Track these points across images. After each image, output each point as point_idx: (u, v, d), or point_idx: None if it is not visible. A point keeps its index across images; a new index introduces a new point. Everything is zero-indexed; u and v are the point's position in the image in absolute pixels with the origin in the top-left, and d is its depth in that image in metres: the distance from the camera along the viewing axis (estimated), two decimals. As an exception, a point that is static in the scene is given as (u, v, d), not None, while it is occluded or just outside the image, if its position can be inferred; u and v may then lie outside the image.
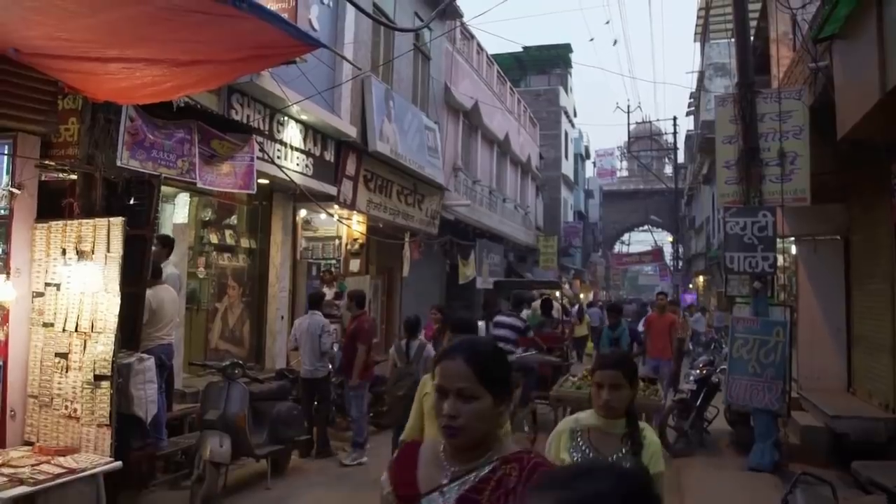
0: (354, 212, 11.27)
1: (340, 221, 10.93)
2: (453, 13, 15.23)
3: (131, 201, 5.28)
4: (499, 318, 9.68)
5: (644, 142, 37.22)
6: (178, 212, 7.78)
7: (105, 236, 4.83)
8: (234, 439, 5.91)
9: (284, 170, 8.52)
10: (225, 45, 4.04)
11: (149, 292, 5.51)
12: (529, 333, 9.67)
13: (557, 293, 15.08)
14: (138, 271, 5.17)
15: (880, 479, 4.64)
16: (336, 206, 10.51)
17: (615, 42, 50.73)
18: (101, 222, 4.89)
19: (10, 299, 4.82)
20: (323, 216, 10.59)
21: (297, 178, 8.92)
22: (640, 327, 10.57)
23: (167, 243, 6.65)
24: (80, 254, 4.89)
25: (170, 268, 6.64)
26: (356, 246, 11.79)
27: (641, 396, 6.18)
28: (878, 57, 5.04)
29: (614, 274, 45.30)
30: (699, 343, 17.02)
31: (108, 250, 4.80)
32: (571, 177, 34.64)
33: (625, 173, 50.46)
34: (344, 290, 10.70)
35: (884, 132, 5.95)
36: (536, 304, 13.38)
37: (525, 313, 11.71)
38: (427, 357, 6.39)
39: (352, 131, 10.42)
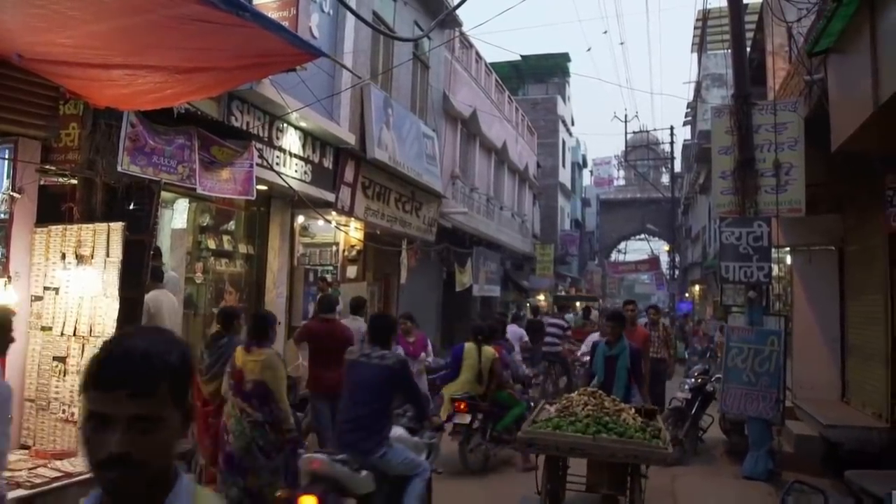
0: (352, 218, 11.30)
1: (338, 228, 10.96)
2: (453, 22, 15.31)
3: (131, 206, 5.31)
4: (549, 319, 13.31)
5: (641, 151, 37.35)
6: (176, 217, 7.80)
7: (105, 241, 4.86)
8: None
9: (283, 176, 8.55)
10: (227, 53, 4.08)
11: (147, 296, 5.53)
12: (568, 332, 13.18)
13: (596, 304, 22.64)
14: (137, 276, 5.19)
15: (873, 488, 4.66)
16: (334, 213, 10.53)
17: (622, 43, 50.77)
18: (101, 227, 4.92)
19: (9, 303, 4.84)
20: (321, 223, 10.62)
21: (296, 185, 8.95)
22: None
23: (157, 276, 6.47)
24: (80, 258, 4.92)
25: (170, 272, 6.66)
26: (353, 252, 11.81)
27: (639, 439, 4.77)
28: (871, 71, 5.11)
29: (611, 282, 45.33)
30: (695, 352, 17.11)
31: (108, 255, 4.83)
32: (568, 185, 34.73)
33: (622, 182, 50.61)
34: (339, 296, 10.74)
35: (878, 144, 6.01)
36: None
37: (569, 317, 16.91)
38: None
39: (350, 138, 10.46)
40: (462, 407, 6.73)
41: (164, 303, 6.12)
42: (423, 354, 8.26)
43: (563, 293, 30.43)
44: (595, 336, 9.44)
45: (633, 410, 5.31)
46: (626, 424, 4.94)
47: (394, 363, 4.46)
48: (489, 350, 7.35)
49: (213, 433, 4.93)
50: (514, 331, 10.98)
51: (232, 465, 4.39)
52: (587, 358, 8.40)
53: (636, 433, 4.82)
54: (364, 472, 4.13)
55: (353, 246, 11.70)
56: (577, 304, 25.58)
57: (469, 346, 7.35)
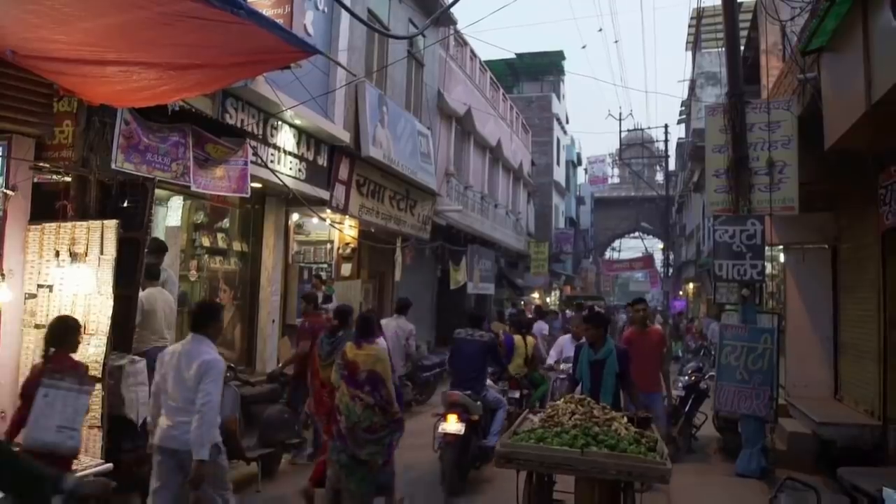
0: (347, 216, 11.29)
1: (333, 226, 10.96)
2: (447, 20, 15.30)
3: (125, 204, 5.29)
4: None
5: (635, 149, 37.39)
6: (171, 215, 7.79)
7: (99, 239, 4.85)
8: (225, 442, 5.88)
9: (277, 174, 8.55)
10: (221, 50, 4.08)
11: (142, 294, 5.51)
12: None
13: (601, 303, 26.15)
14: (131, 274, 5.17)
15: (865, 485, 4.69)
16: (328, 211, 10.53)
17: (616, 41, 50.87)
18: (95, 225, 4.91)
19: (3, 301, 4.83)
20: (315, 220, 10.61)
21: (290, 183, 8.95)
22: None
23: (158, 249, 6.55)
24: (74, 256, 4.91)
25: (168, 271, 6.64)
26: (348, 250, 11.81)
27: (634, 453, 4.20)
28: (864, 70, 5.13)
29: (605, 280, 45.42)
30: (688, 350, 17.17)
31: (102, 253, 4.82)
32: (563, 183, 34.76)
33: (616, 180, 50.65)
34: (332, 293, 10.74)
35: (871, 143, 6.04)
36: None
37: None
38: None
39: (345, 136, 10.45)
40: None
41: (159, 301, 6.09)
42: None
43: (568, 293, 31.16)
44: (566, 339, 9.27)
45: (625, 419, 4.79)
46: (618, 436, 4.40)
47: (488, 339, 7.17)
48: (530, 339, 9.30)
49: (328, 410, 5.70)
50: (538, 326, 12.56)
51: (342, 438, 5.21)
52: (563, 366, 8.26)
53: (630, 446, 4.28)
54: (478, 402, 6.76)
55: (347, 244, 11.69)
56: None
57: (517, 337, 9.22)
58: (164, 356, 4.39)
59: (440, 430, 6.54)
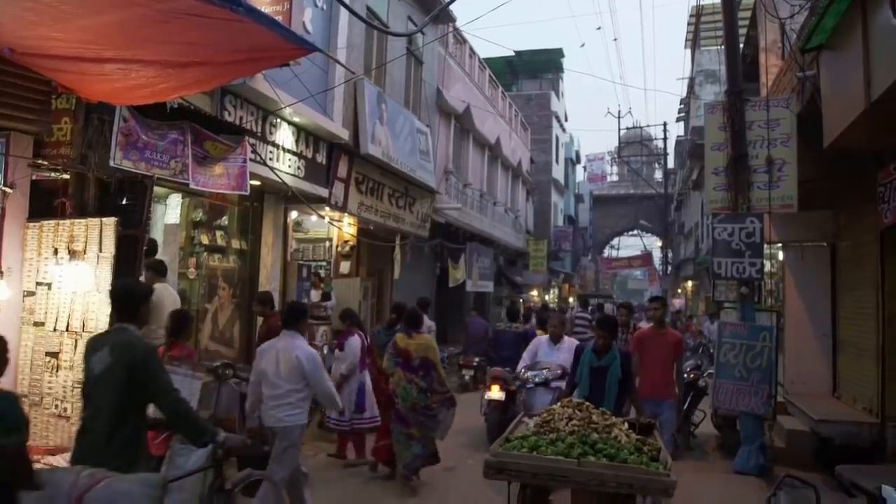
0: (346, 214, 11.28)
1: (332, 223, 10.95)
2: (446, 18, 15.30)
3: (124, 202, 5.29)
4: (577, 312, 15.59)
5: (634, 147, 37.45)
6: (169, 212, 7.78)
7: (97, 236, 4.85)
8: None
9: (276, 171, 8.53)
10: (220, 47, 4.07)
11: (149, 289, 5.51)
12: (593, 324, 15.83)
13: (610, 300, 27.66)
14: (130, 271, 5.17)
15: (863, 482, 4.70)
16: (327, 209, 10.52)
17: (615, 39, 50.84)
18: (94, 222, 4.91)
19: (2, 298, 4.82)
20: (314, 218, 10.60)
21: (289, 180, 8.93)
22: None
23: (160, 271, 6.53)
24: (72, 253, 4.90)
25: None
26: (347, 248, 11.80)
27: (635, 463, 3.88)
28: (863, 68, 5.13)
29: (604, 278, 45.44)
30: (687, 347, 17.18)
31: (101, 250, 4.82)
32: (562, 181, 34.77)
33: (615, 178, 50.65)
34: (331, 291, 10.74)
35: (870, 141, 6.04)
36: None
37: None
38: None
39: (344, 134, 10.44)
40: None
41: (166, 297, 6.11)
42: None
43: (578, 291, 31.61)
44: (542, 340, 7.89)
45: (626, 425, 4.51)
46: (618, 444, 4.09)
47: (521, 330, 9.46)
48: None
49: (388, 395, 6.65)
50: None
51: (400, 419, 6.09)
52: (530, 374, 7.56)
53: (630, 456, 3.95)
54: (513, 377, 8.09)
55: (346, 241, 11.69)
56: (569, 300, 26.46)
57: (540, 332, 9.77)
58: (263, 350, 5.18)
59: (486, 397, 8.50)
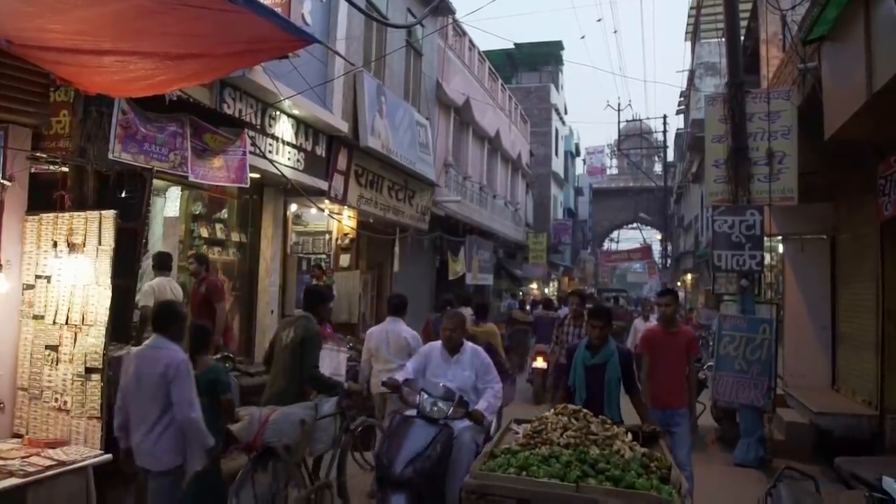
0: (345, 207, 11.27)
1: (331, 216, 10.93)
2: (445, 10, 15.22)
3: (123, 194, 5.27)
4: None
5: (634, 140, 37.39)
6: (168, 205, 7.75)
7: (96, 229, 4.82)
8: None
9: (276, 164, 8.51)
10: (218, 39, 4.04)
11: (153, 282, 5.52)
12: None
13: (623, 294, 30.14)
14: (129, 265, 5.16)
15: (863, 474, 4.71)
16: (327, 201, 10.50)
17: (615, 31, 50.75)
18: (93, 215, 4.88)
19: (1, 291, 4.81)
20: (313, 211, 10.58)
21: (289, 173, 8.92)
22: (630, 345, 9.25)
23: (164, 265, 6.56)
24: (72, 246, 4.88)
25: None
26: (346, 241, 11.79)
27: (643, 488, 3.22)
28: (865, 59, 5.12)
29: (603, 271, 45.47)
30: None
31: (100, 243, 4.79)
32: (561, 174, 34.74)
33: (615, 171, 50.64)
34: (332, 284, 10.73)
35: (871, 133, 6.03)
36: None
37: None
38: None
39: (343, 126, 10.41)
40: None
41: (168, 290, 6.11)
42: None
43: (594, 285, 33.23)
44: (437, 347, 5.14)
45: (629, 435, 3.99)
46: (622, 460, 3.52)
47: (555, 316, 11.71)
48: None
49: None
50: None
51: None
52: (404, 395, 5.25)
53: (638, 479, 3.32)
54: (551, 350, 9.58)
55: (346, 234, 11.67)
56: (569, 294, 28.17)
57: None
58: (373, 332, 6.51)
59: (531, 366, 11.75)
